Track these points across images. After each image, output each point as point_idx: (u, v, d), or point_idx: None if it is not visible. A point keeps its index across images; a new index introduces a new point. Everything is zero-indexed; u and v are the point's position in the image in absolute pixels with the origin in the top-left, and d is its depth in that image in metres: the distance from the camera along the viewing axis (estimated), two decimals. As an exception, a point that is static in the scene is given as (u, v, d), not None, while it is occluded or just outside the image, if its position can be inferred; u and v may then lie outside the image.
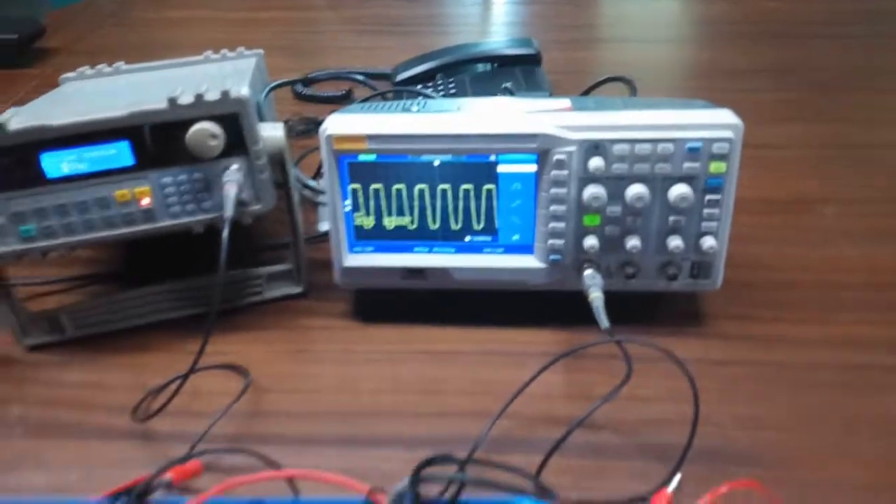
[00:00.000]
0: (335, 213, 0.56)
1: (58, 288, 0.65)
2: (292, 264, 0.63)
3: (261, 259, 0.65)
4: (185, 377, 0.49)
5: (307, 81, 1.00)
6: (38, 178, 0.50)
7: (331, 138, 0.53)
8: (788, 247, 0.67)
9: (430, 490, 0.39)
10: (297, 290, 0.63)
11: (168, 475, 0.39)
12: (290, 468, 0.43)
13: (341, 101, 0.97)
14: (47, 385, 0.55)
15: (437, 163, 0.54)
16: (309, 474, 0.37)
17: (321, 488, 0.41)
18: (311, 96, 0.98)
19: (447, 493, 0.38)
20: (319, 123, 0.88)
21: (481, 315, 0.59)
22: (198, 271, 0.61)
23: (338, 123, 0.54)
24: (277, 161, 0.57)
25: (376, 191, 0.55)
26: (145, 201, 0.53)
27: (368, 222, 0.57)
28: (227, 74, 0.68)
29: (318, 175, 0.78)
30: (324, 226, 0.72)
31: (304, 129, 0.89)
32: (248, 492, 0.40)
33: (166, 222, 0.54)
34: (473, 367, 0.56)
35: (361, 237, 0.58)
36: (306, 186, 0.74)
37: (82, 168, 0.51)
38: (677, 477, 0.44)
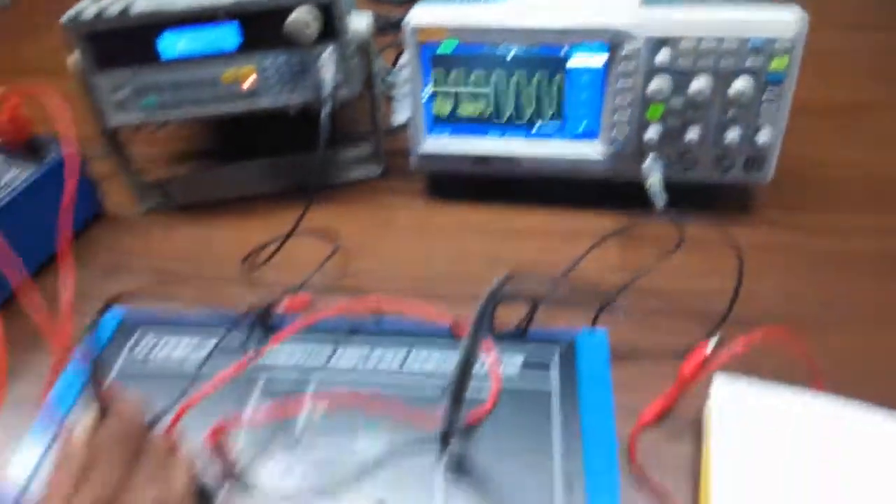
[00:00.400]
0: (415, 101, 0.61)
1: (167, 162, 0.73)
2: (373, 148, 0.69)
3: (343, 147, 0.72)
4: (288, 235, 0.56)
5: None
6: (156, 57, 0.57)
7: (415, 30, 0.58)
8: (845, 148, 0.70)
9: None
10: (376, 171, 0.70)
11: (283, 304, 0.47)
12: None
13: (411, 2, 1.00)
14: (163, 241, 0.64)
15: (510, 55, 0.58)
16: (401, 304, 0.44)
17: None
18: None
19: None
20: (392, 23, 0.92)
21: (545, 198, 0.65)
22: (287, 152, 0.68)
23: (421, 15, 0.58)
24: (364, 49, 0.62)
25: (454, 79, 0.60)
26: (248, 82, 0.59)
27: (445, 109, 0.62)
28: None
29: (395, 69, 0.82)
30: (398, 118, 0.77)
31: (377, 27, 0.93)
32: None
33: (266, 102, 0.60)
34: (536, 242, 0.62)
35: (438, 125, 0.63)
36: (385, 78, 0.78)
37: (195, 49, 0.57)
38: (716, 336, 0.49)
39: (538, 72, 0.59)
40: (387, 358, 0.43)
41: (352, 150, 0.69)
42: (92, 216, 0.65)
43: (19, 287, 0.52)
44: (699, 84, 0.55)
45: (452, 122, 0.63)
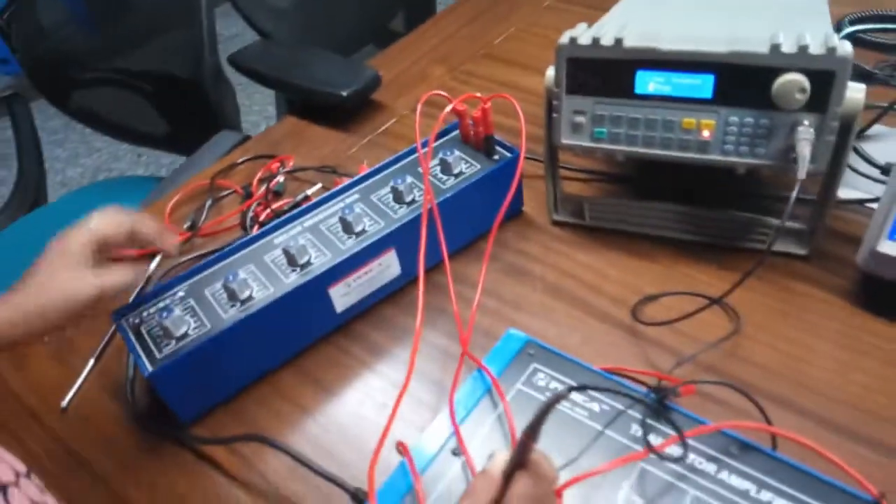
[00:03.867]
0: (893, 194, 0.52)
1: (584, 178, 0.75)
2: (808, 225, 0.61)
3: (763, 206, 0.65)
4: (710, 304, 0.54)
5: (862, 20, 0.89)
6: (626, 91, 0.57)
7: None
8: None
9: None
10: (802, 251, 0.62)
11: (678, 390, 0.45)
12: (778, 425, 0.45)
13: (892, 51, 0.85)
14: (564, 257, 0.67)
15: None
16: (818, 445, 0.39)
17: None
18: (857, 38, 0.88)
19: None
20: (863, 75, 0.80)
21: None
22: (707, 202, 0.65)
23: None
24: (846, 124, 0.54)
25: (956, 186, 0.50)
26: (705, 133, 0.56)
27: (928, 215, 0.52)
28: (805, 9, 0.65)
29: (857, 137, 0.71)
30: (844, 192, 0.67)
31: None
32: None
33: (715, 157, 0.57)
34: None
35: (910, 227, 0.53)
36: (857, 153, 0.68)
37: (666, 91, 0.56)
38: None
39: None
40: (783, 498, 0.38)
41: (779, 218, 0.63)
42: (512, 214, 0.71)
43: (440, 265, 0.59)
44: None
45: (930, 232, 0.52)
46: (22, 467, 0.40)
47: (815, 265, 0.62)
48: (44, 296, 0.49)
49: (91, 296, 0.49)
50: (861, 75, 0.81)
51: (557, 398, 0.30)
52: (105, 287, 0.50)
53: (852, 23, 0.88)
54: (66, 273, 0.49)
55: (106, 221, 0.52)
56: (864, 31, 0.88)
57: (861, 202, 0.65)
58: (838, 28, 0.89)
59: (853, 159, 0.69)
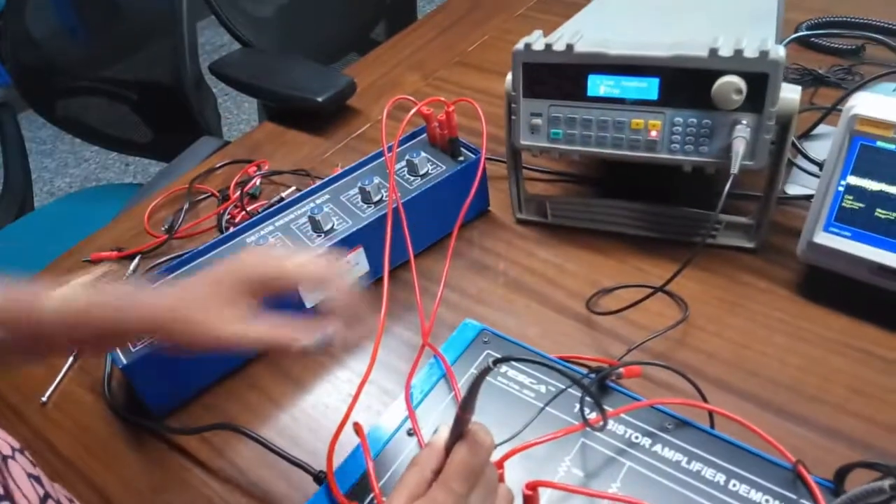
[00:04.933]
0: (825, 189, 0.56)
1: (547, 178, 0.78)
2: (754, 220, 0.65)
3: (715, 202, 0.68)
4: (654, 292, 0.57)
5: (818, 26, 0.93)
6: (579, 94, 0.61)
7: (855, 118, 0.52)
8: None
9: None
10: (749, 244, 0.65)
11: (621, 369, 0.48)
12: (719, 406, 0.48)
13: (847, 56, 0.89)
14: (526, 254, 0.70)
15: (973, 171, 0.49)
16: (747, 421, 0.42)
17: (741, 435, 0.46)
18: (813, 43, 0.92)
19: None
20: (817, 78, 0.83)
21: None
22: (657, 198, 0.68)
23: (869, 105, 0.52)
24: (783, 123, 0.57)
25: (881, 179, 0.53)
26: (653, 133, 0.60)
27: (857, 207, 0.55)
28: (754, 16, 0.68)
29: (803, 136, 0.75)
30: (792, 188, 0.71)
31: (796, 80, 0.86)
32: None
33: (663, 155, 0.60)
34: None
35: (842, 220, 0.56)
36: (799, 152, 0.71)
37: (615, 93, 0.59)
38: None
39: None
40: (711, 468, 0.41)
41: (729, 215, 0.66)
42: (478, 213, 0.74)
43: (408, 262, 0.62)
44: None
45: (860, 224, 0.55)
46: (16, 443, 0.43)
47: (762, 258, 0.65)
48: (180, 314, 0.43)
49: (223, 342, 0.43)
50: (815, 79, 0.85)
51: (484, 372, 0.33)
52: (241, 342, 0.43)
53: (809, 28, 0.92)
54: (214, 305, 0.43)
55: (260, 264, 0.45)
56: (820, 36, 0.91)
57: (807, 198, 0.68)
58: (795, 32, 0.93)
59: (801, 158, 0.72)
